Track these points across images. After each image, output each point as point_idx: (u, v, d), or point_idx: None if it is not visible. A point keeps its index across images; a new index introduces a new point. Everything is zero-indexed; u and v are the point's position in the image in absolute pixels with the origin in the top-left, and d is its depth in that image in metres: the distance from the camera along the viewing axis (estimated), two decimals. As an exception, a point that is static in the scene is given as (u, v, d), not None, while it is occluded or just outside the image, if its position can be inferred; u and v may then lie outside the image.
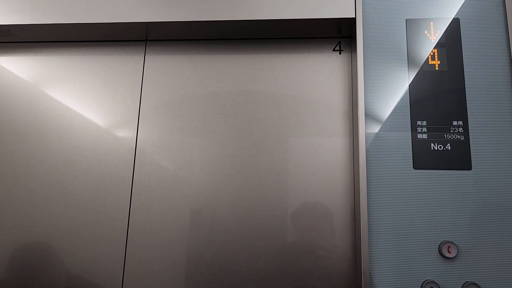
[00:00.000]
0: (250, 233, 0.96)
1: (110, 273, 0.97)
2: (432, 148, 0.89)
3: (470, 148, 0.88)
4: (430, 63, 0.93)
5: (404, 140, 0.90)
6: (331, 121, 1.00)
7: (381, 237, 0.86)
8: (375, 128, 0.91)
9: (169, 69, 1.08)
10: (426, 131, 0.90)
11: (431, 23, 0.95)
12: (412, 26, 0.95)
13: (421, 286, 0.83)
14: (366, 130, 0.91)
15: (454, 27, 0.94)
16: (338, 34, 1.03)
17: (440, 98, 0.91)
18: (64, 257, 1.00)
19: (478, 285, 0.81)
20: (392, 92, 0.93)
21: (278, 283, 0.93)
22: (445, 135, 0.89)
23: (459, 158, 0.88)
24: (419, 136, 0.90)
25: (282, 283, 0.93)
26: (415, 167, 0.89)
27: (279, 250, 0.94)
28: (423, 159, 0.89)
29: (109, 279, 0.97)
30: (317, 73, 1.03)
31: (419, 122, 0.90)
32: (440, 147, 0.89)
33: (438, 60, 0.93)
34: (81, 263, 0.99)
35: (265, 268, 0.94)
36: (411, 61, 0.94)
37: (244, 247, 0.95)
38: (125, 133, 1.05)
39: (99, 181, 1.03)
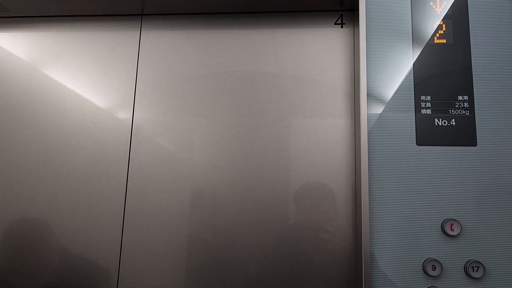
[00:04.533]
0: (249, 213, 0.94)
1: (107, 253, 0.96)
2: (436, 124, 0.86)
3: (475, 123, 0.85)
4: (435, 36, 0.89)
5: (407, 115, 0.87)
6: (332, 97, 0.97)
7: (383, 216, 0.84)
8: (378, 104, 0.88)
9: (166, 44, 1.04)
10: (430, 106, 0.87)
11: (437, -6, 0.91)
12: (417, -3, 0.91)
13: (422, 265, 0.82)
14: (368, 105, 0.88)
15: (461, -1, 0.90)
16: (340, 6, 0.99)
17: (445, 72, 0.88)
18: (60, 236, 0.98)
19: (481, 263, 0.79)
20: (395, 66, 0.89)
21: (280, 264, 0.91)
22: (449, 110, 0.86)
23: (464, 134, 0.85)
24: (423, 111, 0.87)
25: (284, 264, 0.91)
26: (418, 143, 0.86)
27: (280, 231, 0.93)
28: (426, 135, 0.86)
29: (106, 258, 0.96)
30: (318, 47, 1.00)
31: (422, 97, 0.87)
32: (445, 122, 0.86)
33: (444, 33, 0.89)
34: (76, 242, 0.97)
35: (266, 250, 0.92)
36: (415, 34, 0.90)
37: (244, 228, 0.94)
38: (121, 111, 1.02)
39: (95, 159, 1.01)
